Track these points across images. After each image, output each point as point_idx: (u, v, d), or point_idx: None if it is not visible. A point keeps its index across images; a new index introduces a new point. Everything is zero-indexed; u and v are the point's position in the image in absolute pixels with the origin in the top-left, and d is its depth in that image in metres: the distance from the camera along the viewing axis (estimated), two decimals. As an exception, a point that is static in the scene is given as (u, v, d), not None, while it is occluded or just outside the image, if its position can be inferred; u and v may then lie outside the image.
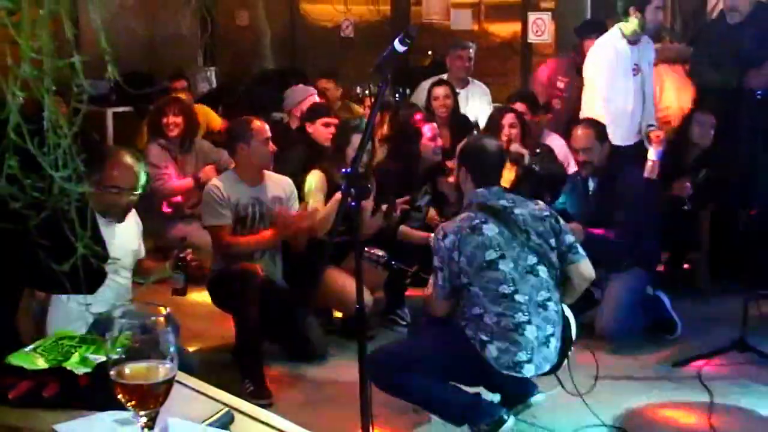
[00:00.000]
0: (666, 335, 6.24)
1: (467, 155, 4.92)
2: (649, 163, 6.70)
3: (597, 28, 8.33)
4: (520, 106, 7.41)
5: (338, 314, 6.48)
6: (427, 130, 6.71)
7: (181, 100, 8.02)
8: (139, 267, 4.96)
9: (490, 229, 4.55)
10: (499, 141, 6.72)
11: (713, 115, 7.02)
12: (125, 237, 4.78)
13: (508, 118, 6.94)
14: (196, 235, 6.55)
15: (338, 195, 3.44)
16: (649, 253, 6.33)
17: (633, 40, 6.88)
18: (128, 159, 4.64)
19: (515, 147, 6.75)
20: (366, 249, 5.72)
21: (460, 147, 5.02)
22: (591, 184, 6.35)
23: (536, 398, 4.84)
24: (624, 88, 6.89)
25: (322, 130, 6.87)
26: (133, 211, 4.89)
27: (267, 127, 5.90)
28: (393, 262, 5.73)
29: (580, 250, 4.74)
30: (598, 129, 6.30)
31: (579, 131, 6.33)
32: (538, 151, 6.93)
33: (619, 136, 6.78)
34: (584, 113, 6.93)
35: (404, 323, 6.41)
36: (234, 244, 5.71)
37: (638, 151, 6.93)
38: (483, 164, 4.81)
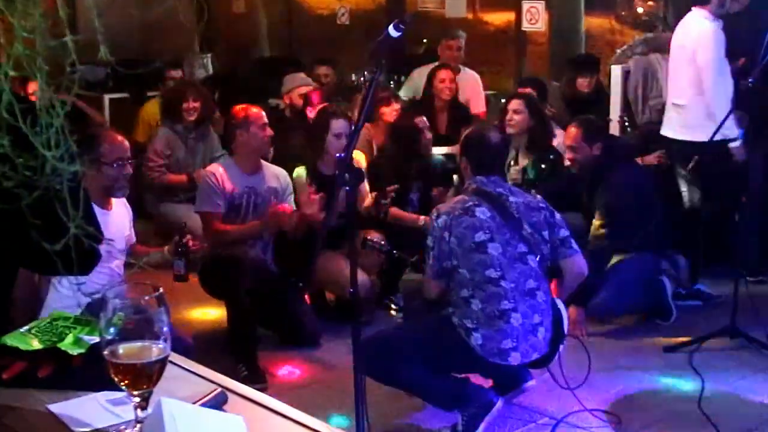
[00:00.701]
0: (660, 321, 6.24)
1: (468, 146, 4.91)
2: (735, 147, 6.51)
3: (591, 67, 8.28)
4: (526, 90, 7.37)
5: (331, 297, 6.47)
6: (419, 122, 6.70)
7: (200, 86, 8.00)
8: (132, 252, 4.96)
9: (483, 212, 4.56)
10: (504, 125, 6.72)
11: None
12: (117, 223, 4.79)
13: (513, 104, 6.82)
14: (191, 219, 6.51)
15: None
16: (656, 235, 6.23)
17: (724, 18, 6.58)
18: (113, 131, 4.87)
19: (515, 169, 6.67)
20: (368, 237, 5.76)
21: (463, 137, 5.01)
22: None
23: (529, 383, 4.86)
24: (726, 70, 6.54)
25: None
26: (124, 198, 4.92)
27: (264, 113, 5.89)
28: (394, 252, 5.74)
29: (574, 244, 4.74)
30: (589, 129, 6.21)
31: (572, 128, 6.27)
32: (551, 157, 6.77)
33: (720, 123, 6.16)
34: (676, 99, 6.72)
35: (397, 308, 6.40)
36: (223, 231, 5.69)
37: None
38: (482, 155, 4.81)
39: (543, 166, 6.68)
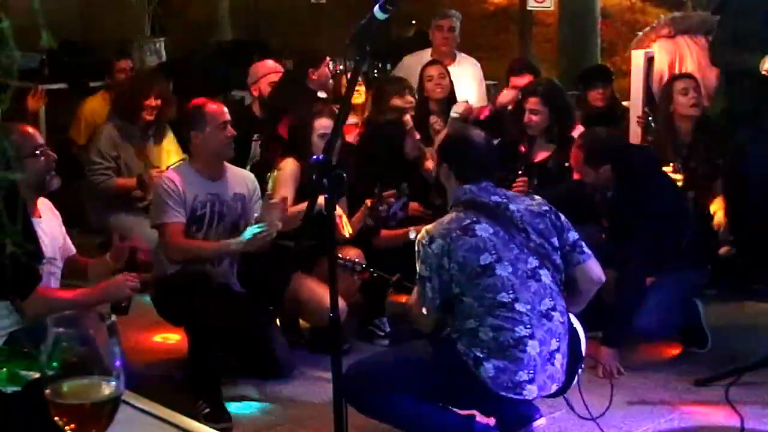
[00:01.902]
0: (693, 348, 6.24)
1: (448, 150, 4.91)
2: None
3: (603, 78, 8.31)
4: (524, 79, 7.37)
5: (306, 324, 6.46)
6: (406, 122, 6.68)
7: (165, 79, 7.96)
8: (73, 266, 4.92)
9: (484, 230, 4.54)
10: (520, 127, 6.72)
11: (694, 80, 6.96)
12: (50, 233, 4.75)
13: (531, 103, 6.72)
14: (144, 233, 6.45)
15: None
16: (695, 251, 6.22)
17: None
18: (15, 123, 4.75)
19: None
20: (340, 255, 5.69)
21: (440, 140, 4.99)
22: (609, 193, 6.20)
23: (538, 422, 4.83)
24: None
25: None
26: (48, 202, 4.89)
27: (225, 109, 5.85)
28: (372, 270, 5.70)
29: (586, 248, 4.74)
30: (591, 152, 6.04)
31: (574, 149, 6.17)
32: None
33: None
34: None
35: (383, 334, 6.39)
36: (187, 248, 5.63)
37: None
38: (467, 160, 4.80)
39: (567, 164, 6.58)
